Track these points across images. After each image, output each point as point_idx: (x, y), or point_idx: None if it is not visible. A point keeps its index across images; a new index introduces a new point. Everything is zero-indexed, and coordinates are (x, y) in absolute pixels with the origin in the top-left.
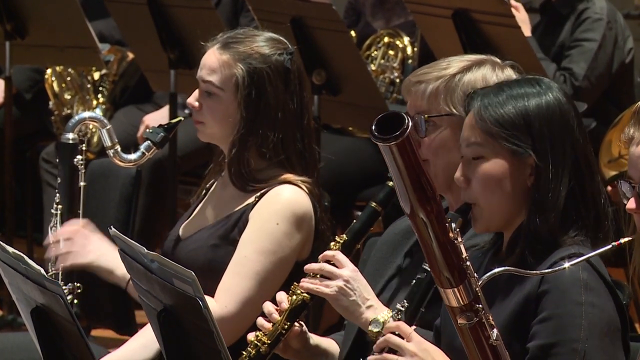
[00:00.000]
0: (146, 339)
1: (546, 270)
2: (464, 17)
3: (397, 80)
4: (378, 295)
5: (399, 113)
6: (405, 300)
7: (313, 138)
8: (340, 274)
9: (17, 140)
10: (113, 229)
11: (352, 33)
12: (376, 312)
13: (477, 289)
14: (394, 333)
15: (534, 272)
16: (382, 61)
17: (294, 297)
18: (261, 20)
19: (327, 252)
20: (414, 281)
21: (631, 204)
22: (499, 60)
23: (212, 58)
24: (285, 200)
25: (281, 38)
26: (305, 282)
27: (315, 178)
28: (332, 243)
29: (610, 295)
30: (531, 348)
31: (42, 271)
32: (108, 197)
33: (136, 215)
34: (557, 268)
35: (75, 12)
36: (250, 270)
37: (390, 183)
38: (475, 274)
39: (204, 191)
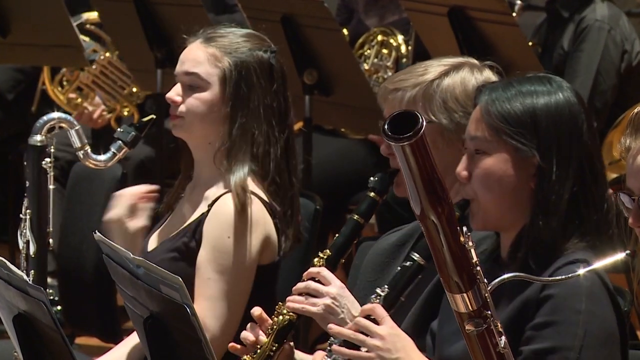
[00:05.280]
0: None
1: (558, 277)
2: (460, 14)
3: None
4: None
5: (412, 112)
6: (386, 286)
7: (294, 139)
8: (327, 292)
9: None
10: (98, 233)
11: (345, 31)
12: None
13: (486, 294)
14: (368, 317)
15: (546, 279)
16: (376, 60)
17: (280, 317)
18: (250, 18)
19: (312, 269)
20: (399, 268)
21: (632, 219)
22: (477, 62)
23: (196, 51)
24: (232, 210)
25: (263, 36)
26: (291, 302)
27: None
28: (316, 259)
29: (612, 305)
30: (525, 351)
31: (25, 277)
32: (93, 200)
33: None
34: (570, 275)
35: (59, 10)
36: (218, 291)
37: (372, 194)
38: (485, 280)
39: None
